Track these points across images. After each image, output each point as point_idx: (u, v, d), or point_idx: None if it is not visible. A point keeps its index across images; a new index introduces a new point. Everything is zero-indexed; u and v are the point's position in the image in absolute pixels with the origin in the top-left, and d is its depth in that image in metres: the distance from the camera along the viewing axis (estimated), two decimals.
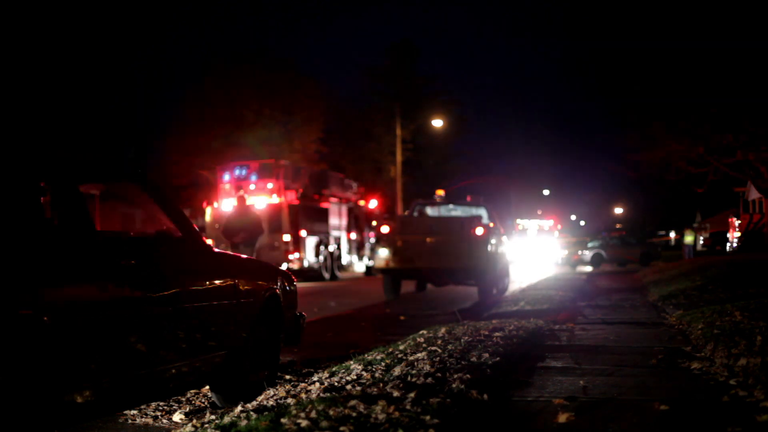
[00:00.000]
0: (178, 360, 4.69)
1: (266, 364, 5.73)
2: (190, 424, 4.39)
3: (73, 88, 33.24)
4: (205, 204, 27.69)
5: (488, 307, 13.19)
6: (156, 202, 5.05)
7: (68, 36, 33.06)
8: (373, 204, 34.73)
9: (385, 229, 16.79)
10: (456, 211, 19.24)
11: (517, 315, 9.96)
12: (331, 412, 3.69)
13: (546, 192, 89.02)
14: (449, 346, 6.20)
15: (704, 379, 5.04)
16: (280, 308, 5.93)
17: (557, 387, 4.87)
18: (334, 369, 5.72)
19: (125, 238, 4.94)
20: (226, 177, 27.25)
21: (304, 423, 3.55)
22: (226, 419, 4.07)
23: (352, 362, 5.86)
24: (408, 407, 3.81)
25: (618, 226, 79.18)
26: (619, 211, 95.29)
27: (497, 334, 7.04)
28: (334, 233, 30.01)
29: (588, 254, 39.60)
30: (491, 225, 17.28)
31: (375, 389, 4.29)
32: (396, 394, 4.11)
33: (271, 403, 4.66)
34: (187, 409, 5.45)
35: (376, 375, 5.17)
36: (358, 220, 32.79)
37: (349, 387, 4.79)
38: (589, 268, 37.43)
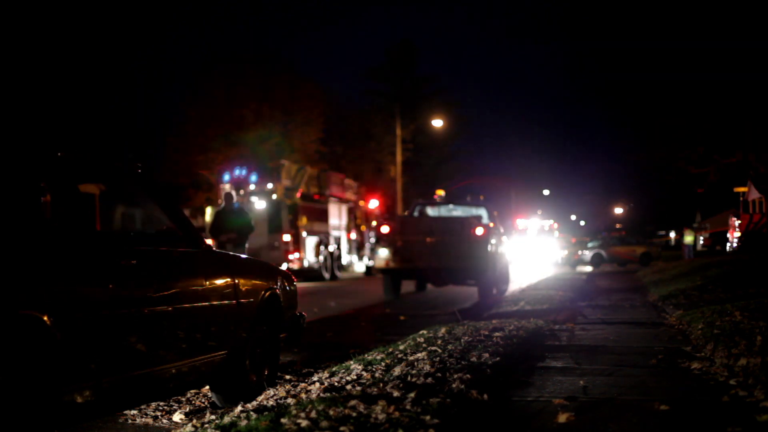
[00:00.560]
0: (178, 360, 4.68)
1: (266, 364, 5.73)
2: (190, 424, 4.39)
3: (73, 89, 33.24)
4: (205, 204, 27.70)
5: (488, 307, 13.19)
6: (156, 202, 5.05)
7: (68, 36, 33.05)
8: (373, 204, 34.74)
9: (385, 229, 16.79)
10: (456, 211, 19.24)
11: (517, 315, 9.96)
12: (331, 412, 3.69)
13: (546, 192, 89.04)
14: (449, 346, 6.20)
15: (704, 379, 5.04)
16: (280, 308, 5.93)
17: (557, 387, 4.87)
18: (334, 369, 5.72)
19: (125, 238, 4.94)
20: (226, 177, 27.24)
21: (304, 423, 3.55)
22: (226, 419, 4.07)
23: (352, 362, 5.85)
24: (408, 407, 3.81)
25: (618, 226, 79.13)
26: (619, 211, 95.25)
27: (497, 334, 7.03)
28: (334, 233, 30.01)
29: (588, 254, 39.62)
30: (491, 225, 17.27)
31: (375, 389, 4.29)
32: (396, 394, 4.11)
33: (271, 403, 4.66)
34: (187, 409, 5.45)
35: (376, 375, 5.17)
36: (358, 220, 32.79)
37: (349, 387, 4.78)
38: (589, 268, 37.44)
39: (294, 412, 3.75)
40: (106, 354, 4.07)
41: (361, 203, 33.90)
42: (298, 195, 27.43)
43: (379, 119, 51.73)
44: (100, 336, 4.03)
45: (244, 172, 27.11)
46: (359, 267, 32.58)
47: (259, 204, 26.47)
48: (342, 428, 3.47)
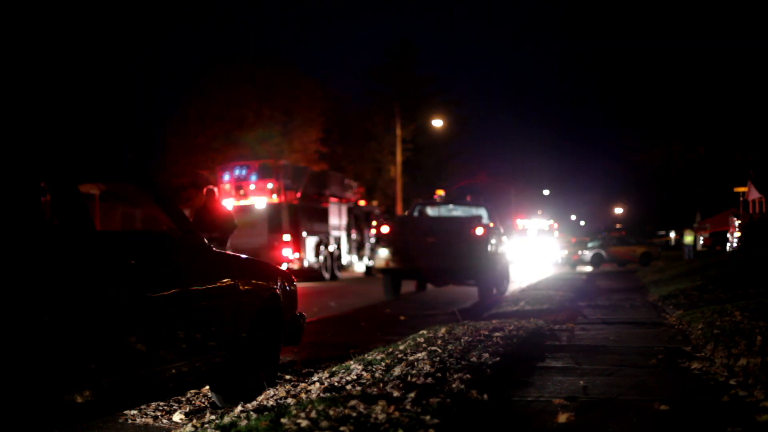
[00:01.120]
0: (178, 360, 4.69)
1: (266, 364, 5.73)
2: (190, 424, 4.39)
3: (73, 89, 33.24)
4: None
5: (488, 307, 13.19)
6: (156, 202, 5.06)
7: (68, 36, 33.05)
8: (373, 204, 34.75)
9: (385, 229, 16.79)
10: (456, 211, 19.25)
11: (517, 315, 9.95)
12: (331, 412, 3.69)
13: (546, 192, 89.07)
14: (449, 346, 6.20)
15: (704, 379, 5.04)
16: (280, 308, 5.93)
17: (557, 387, 4.87)
18: (334, 369, 5.71)
19: (125, 238, 4.94)
20: (226, 177, 27.25)
21: (304, 423, 3.55)
22: (226, 419, 4.07)
23: (352, 362, 5.85)
24: (408, 407, 3.81)
25: (618, 226, 79.13)
26: (619, 211, 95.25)
27: (497, 334, 7.03)
28: (334, 233, 30.01)
29: (588, 254, 39.62)
30: (491, 225, 17.27)
31: (375, 389, 4.29)
32: (396, 394, 4.11)
33: (271, 403, 4.66)
34: (187, 409, 5.45)
35: (376, 375, 5.17)
36: (358, 220, 32.79)
37: (349, 387, 4.78)
38: (589, 268, 37.44)
39: (294, 412, 3.75)
40: (106, 354, 4.07)
41: (361, 203, 33.92)
42: (298, 195, 27.43)
43: (379, 119, 51.74)
44: (100, 336, 4.03)
45: (244, 172, 27.12)
46: (359, 267, 32.58)
47: (259, 204, 26.48)
48: (342, 428, 3.47)
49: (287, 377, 6.51)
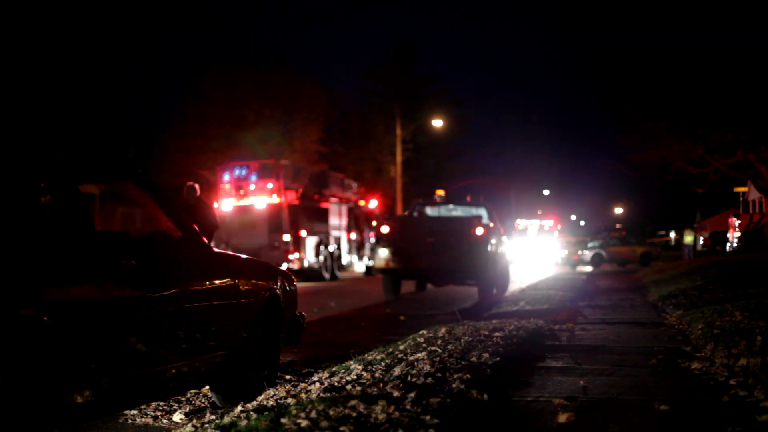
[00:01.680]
0: (178, 360, 4.68)
1: (266, 364, 5.73)
2: (190, 424, 4.39)
3: (73, 89, 33.24)
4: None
5: (488, 307, 13.19)
6: (156, 202, 5.05)
7: (68, 36, 33.06)
8: (373, 204, 34.74)
9: (385, 229, 16.79)
10: (456, 211, 19.24)
11: (517, 315, 9.96)
12: (331, 412, 3.69)
13: (546, 192, 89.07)
14: (449, 346, 6.20)
15: (704, 379, 5.04)
16: (280, 308, 5.93)
17: (557, 387, 4.87)
18: (334, 369, 5.71)
19: (125, 238, 4.94)
20: (226, 177, 27.24)
21: (304, 423, 3.54)
22: (226, 419, 4.07)
23: (352, 362, 5.85)
24: (408, 407, 3.81)
25: (618, 226, 79.22)
26: (619, 211, 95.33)
27: (497, 334, 7.03)
28: (334, 233, 30.01)
29: (588, 254, 39.62)
30: (491, 225, 17.27)
31: (375, 389, 4.29)
32: (396, 394, 4.11)
33: (271, 403, 4.66)
34: (187, 409, 5.45)
35: (376, 375, 5.17)
36: (358, 220, 32.79)
37: (349, 387, 4.78)
38: (589, 268, 37.44)
39: (294, 412, 3.75)
40: (106, 354, 4.07)
41: (361, 203, 33.90)
42: (298, 195, 27.43)
43: (379, 119, 51.71)
44: (100, 336, 4.03)
45: (244, 172, 27.11)
46: (359, 267, 32.58)
47: (259, 204, 26.48)
48: (342, 428, 3.47)
49: (287, 377, 6.51)
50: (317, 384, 5.07)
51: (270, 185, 26.70)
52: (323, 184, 30.13)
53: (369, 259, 30.99)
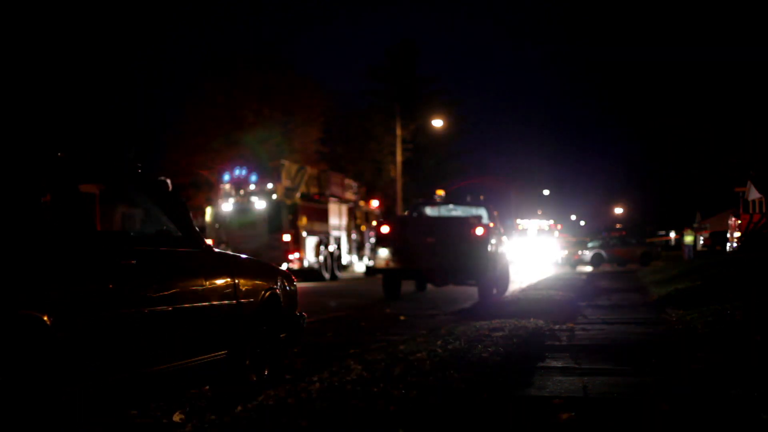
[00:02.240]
0: (178, 360, 4.69)
1: (266, 364, 5.73)
2: (190, 424, 4.38)
3: (73, 89, 33.25)
4: (204, 204, 27.71)
5: (488, 307, 13.18)
6: (156, 202, 5.05)
7: (69, 36, 33.07)
8: (373, 204, 34.73)
9: (385, 229, 16.78)
10: (456, 211, 19.23)
11: (517, 315, 9.96)
12: (331, 412, 3.69)
13: (546, 192, 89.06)
14: (449, 346, 6.20)
15: (704, 378, 5.04)
16: (280, 308, 5.93)
17: (557, 387, 4.87)
18: (334, 369, 5.72)
19: (125, 238, 4.94)
20: (226, 177, 27.23)
21: (304, 423, 3.55)
22: (226, 419, 4.07)
23: (352, 362, 5.85)
24: (408, 407, 3.81)
25: (618, 226, 79.10)
26: (619, 211, 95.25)
27: (497, 334, 7.04)
28: (334, 233, 30.00)
29: (588, 254, 39.60)
30: (491, 225, 17.26)
31: (375, 389, 4.30)
32: (396, 393, 4.11)
33: (271, 403, 4.66)
34: (187, 409, 5.45)
35: (376, 375, 5.17)
36: (358, 220, 32.78)
37: (349, 387, 4.79)
38: (589, 268, 37.43)
39: (294, 411, 3.75)
40: (106, 354, 4.07)
41: (361, 203, 33.89)
42: (298, 195, 27.44)
43: (379, 119, 51.71)
44: (100, 336, 4.03)
45: (244, 172, 27.10)
46: (359, 267, 32.57)
47: (259, 204, 26.48)
48: (342, 428, 3.47)
49: (287, 377, 6.51)
50: (317, 384, 5.07)
51: (270, 185, 26.70)
52: (323, 184, 30.13)
53: (369, 259, 30.98)
